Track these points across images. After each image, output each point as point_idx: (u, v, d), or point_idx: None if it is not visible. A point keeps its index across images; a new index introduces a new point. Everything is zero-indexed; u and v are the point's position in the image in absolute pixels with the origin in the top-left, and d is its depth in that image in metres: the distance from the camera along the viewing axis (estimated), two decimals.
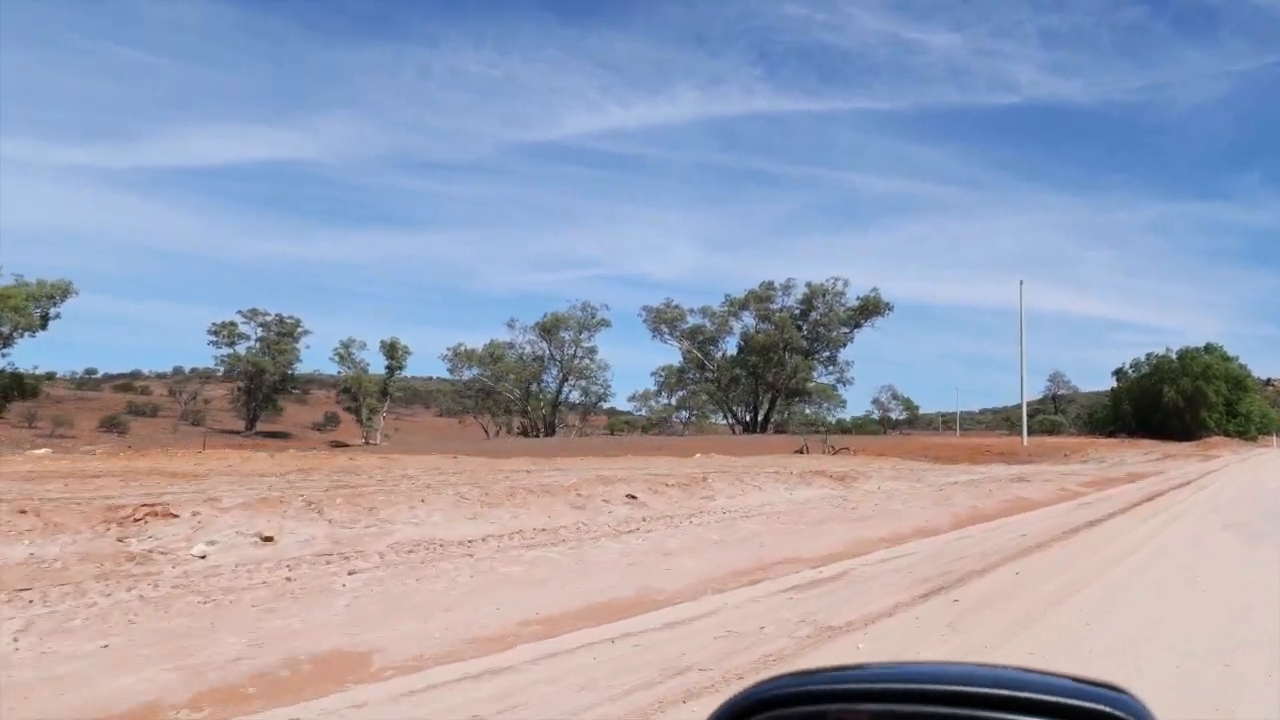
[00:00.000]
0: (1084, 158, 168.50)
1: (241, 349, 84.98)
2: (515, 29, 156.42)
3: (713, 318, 68.79)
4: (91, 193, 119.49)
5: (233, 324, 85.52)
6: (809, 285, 65.22)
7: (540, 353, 72.80)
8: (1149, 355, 65.92)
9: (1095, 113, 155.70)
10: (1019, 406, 52.48)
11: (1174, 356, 63.85)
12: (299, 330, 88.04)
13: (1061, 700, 0.78)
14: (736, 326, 67.72)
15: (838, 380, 69.06)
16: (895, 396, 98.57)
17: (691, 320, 68.70)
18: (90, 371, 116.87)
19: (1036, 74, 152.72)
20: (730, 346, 68.88)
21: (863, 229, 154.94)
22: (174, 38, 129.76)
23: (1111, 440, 55.39)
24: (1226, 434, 61.59)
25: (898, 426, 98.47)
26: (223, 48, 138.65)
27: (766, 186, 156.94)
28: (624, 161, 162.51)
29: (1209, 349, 64.28)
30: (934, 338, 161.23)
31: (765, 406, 69.14)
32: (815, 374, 69.40)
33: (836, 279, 65.10)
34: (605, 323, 71.18)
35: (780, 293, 66.14)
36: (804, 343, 65.50)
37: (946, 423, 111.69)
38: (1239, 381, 63.47)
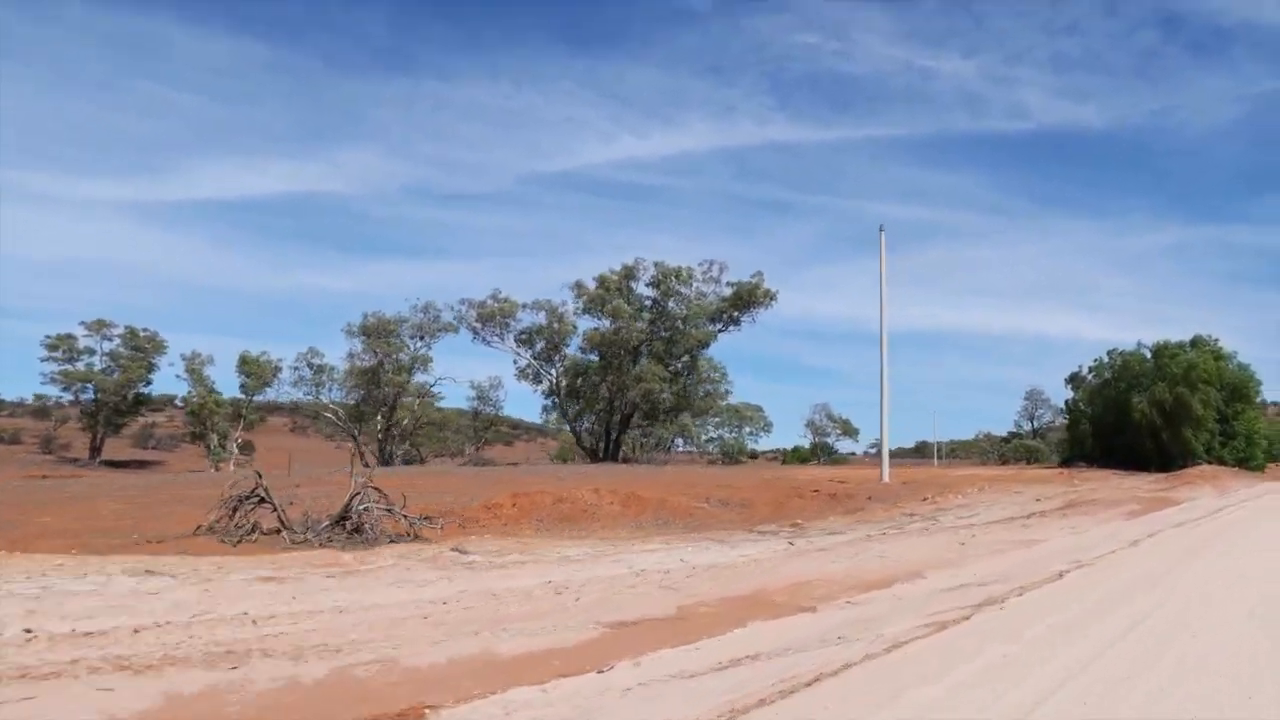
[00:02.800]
0: (1100, 182, 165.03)
1: (82, 365, 72.47)
2: (530, 62, 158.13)
3: (552, 314, 53.62)
4: (118, 226, 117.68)
5: (71, 337, 72.96)
6: (657, 267, 49.79)
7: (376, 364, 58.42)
8: (1113, 353, 49.14)
9: (1110, 137, 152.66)
10: (1008, 432, 37.05)
11: (1147, 353, 47.76)
12: (155, 345, 75.34)
13: None
14: (584, 326, 52.59)
15: (700, 391, 53.77)
16: (830, 417, 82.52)
17: (525, 318, 53.62)
18: None
19: (1050, 99, 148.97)
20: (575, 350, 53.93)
21: (877, 256, 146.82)
22: (199, 75, 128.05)
23: (1046, 473, 39.07)
24: (1221, 461, 45.05)
25: (827, 455, 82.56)
26: (247, 83, 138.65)
27: (781, 215, 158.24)
28: (639, 191, 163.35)
29: (1197, 343, 47.33)
30: (953, 364, 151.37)
31: (617, 429, 53.81)
32: (697, 383, 54.31)
33: (709, 263, 50.03)
34: (452, 328, 56.66)
35: (620, 279, 50.80)
36: (657, 343, 50.35)
37: (918, 450, 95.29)
38: (1238, 389, 46.34)
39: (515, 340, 52.90)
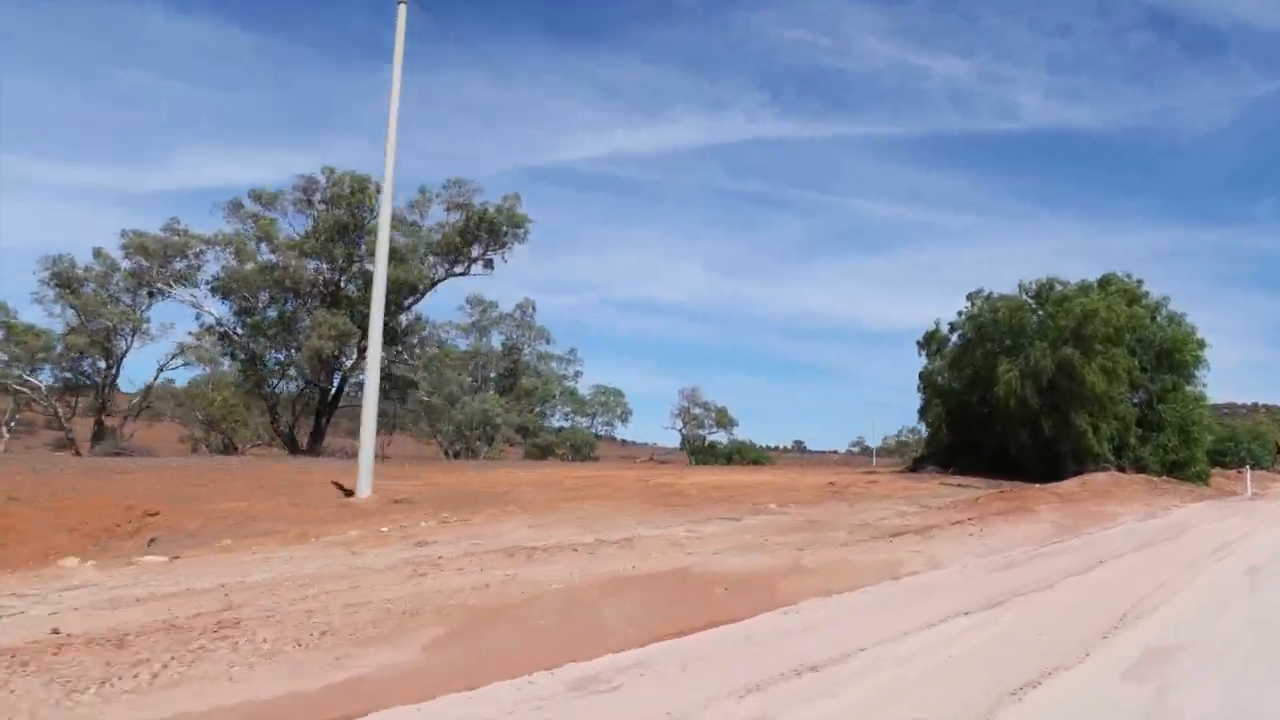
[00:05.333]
0: (1094, 183, 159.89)
1: None
2: (519, 55, 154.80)
3: (236, 250, 36.77)
4: (99, 212, 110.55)
5: None
6: (347, 179, 33.18)
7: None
8: (976, 296, 31.27)
9: (1104, 138, 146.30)
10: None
11: (1028, 299, 30.37)
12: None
13: None
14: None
15: (415, 348, 37.39)
16: (704, 406, 65.94)
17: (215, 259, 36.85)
18: None
19: (1043, 100, 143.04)
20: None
21: (870, 254, 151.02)
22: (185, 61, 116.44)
23: (823, 482, 22.53)
24: (1140, 466, 28.33)
25: (708, 451, 66.25)
26: (233, 71, 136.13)
27: (773, 211, 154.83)
28: (628, 186, 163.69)
29: (1107, 284, 30.18)
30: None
31: (317, 410, 37.30)
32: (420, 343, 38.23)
33: (425, 192, 33.78)
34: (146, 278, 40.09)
35: (297, 193, 34.06)
36: (352, 286, 34.05)
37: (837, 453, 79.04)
38: (1169, 356, 29.94)
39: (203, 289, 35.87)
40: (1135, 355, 28.95)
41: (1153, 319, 30.02)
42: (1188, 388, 30.21)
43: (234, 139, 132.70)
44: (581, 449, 65.31)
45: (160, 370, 38.84)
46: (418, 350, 39.46)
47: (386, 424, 49.60)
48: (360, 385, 41.53)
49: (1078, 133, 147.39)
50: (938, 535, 11.95)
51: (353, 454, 39.11)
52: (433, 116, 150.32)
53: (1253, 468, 47.80)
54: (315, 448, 34.48)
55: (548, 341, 58.91)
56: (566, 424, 63.94)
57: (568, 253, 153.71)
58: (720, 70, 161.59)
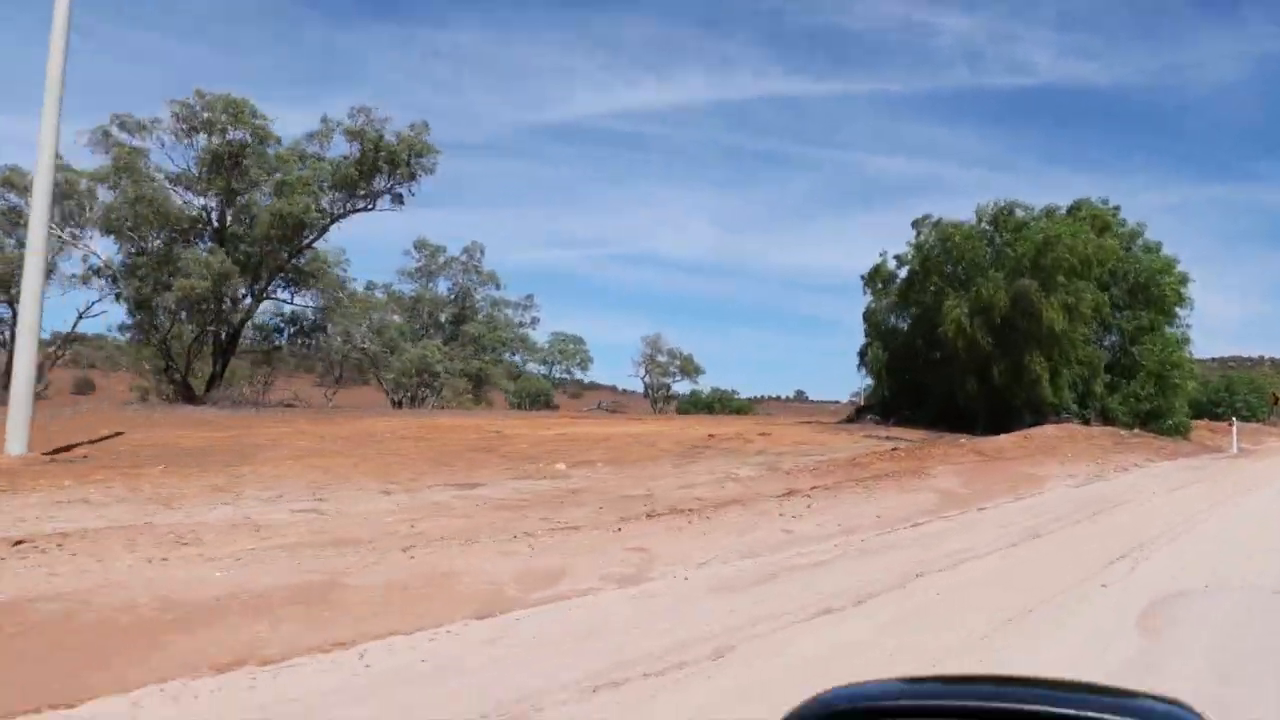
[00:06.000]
0: (1104, 139, 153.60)
1: None
2: (522, 9, 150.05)
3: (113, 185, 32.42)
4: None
5: None
6: (220, 103, 28.65)
7: None
8: (923, 222, 26.09)
9: (1114, 95, 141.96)
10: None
11: (985, 225, 25.22)
12: None
13: None
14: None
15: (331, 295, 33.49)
16: (668, 353, 62.08)
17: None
18: None
19: (1054, 57, 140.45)
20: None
21: (879, 210, 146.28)
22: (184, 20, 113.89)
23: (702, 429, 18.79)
24: (1107, 417, 24.32)
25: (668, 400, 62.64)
26: (233, 29, 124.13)
27: (780, 168, 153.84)
28: (634, 141, 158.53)
29: (1076, 210, 25.49)
30: None
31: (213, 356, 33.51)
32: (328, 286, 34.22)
33: (328, 122, 29.33)
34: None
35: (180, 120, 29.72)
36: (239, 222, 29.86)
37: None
38: (1145, 290, 25.54)
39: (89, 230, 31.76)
40: (1107, 291, 24.72)
41: (1127, 250, 25.67)
42: (1168, 329, 25.97)
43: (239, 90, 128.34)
44: (538, 398, 61.80)
45: (80, 317, 34.90)
46: (322, 292, 35.35)
47: (293, 367, 46.05)
48: (261, 329, 37.75)
49: (1089, 89, 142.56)
50: (724, 516, 8.12)
51: (273, 404, 35.01)
52: (437, 72, 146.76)
53: (1247, 420, 43.82)
54: (211, 395, 30.63)
55: (498, 287, 54.94)
56: (532, 372, 60.29)
57: (572, 208, 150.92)
58: (728, 27, 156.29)
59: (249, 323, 33.77)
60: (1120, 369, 25.40)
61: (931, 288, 25.53)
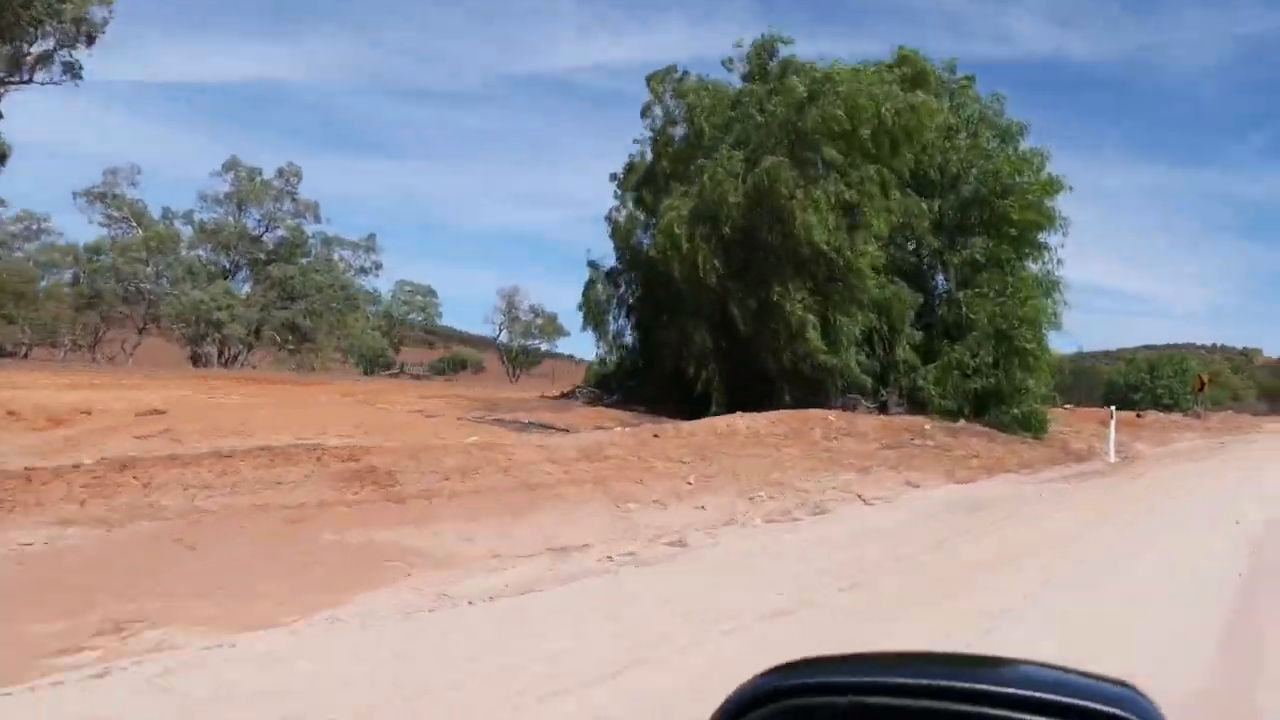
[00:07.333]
0: (1082, 116, 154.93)
1: None
2: None
3: None
4: (57, 104, 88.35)
5: None
6: None
7: None
8: (670, 80, 15.42)
9: (1095, 71, 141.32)
10: None
11: (742, 79, 14.63)
12: None
13: (1073, 701, 0.76)
14: None
15: None
16: (531, 310, 53.04)
17: None
18: None
19: (1038, 26, 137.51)
20: None
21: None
22: None
23: None
24: (918, 402, 15.05)
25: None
26: None
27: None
28: (616, 97, 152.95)
29: (903, 65, 14.88)
30: None
31: None
32: None
33: None
34: None
35: None
36: None
37: None
38: (991, 201, 15.35)
39: None
40: (931, 200, 15.30)
41: (973, 138, 16.06)
42: (1029, 265, 16.61)
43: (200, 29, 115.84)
44: (377, 359, 51.44)
45: None
46: None
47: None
48: None
49: (1072, 63, 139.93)
50: None
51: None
52: (416, 13, 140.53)
53: (1169, 409, 35.34)
54: None
55: (318, 220, 44.51)
56: (373, 324, 50.00)
57: (554, 163, 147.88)
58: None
59: None
60: (944, 326, 15.96)
61: (660, 183, 15.79)
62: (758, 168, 13.26)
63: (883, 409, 15.12)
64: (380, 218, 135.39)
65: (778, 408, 14.00)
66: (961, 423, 15.27)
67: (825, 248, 13.25)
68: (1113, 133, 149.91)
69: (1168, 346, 75.36)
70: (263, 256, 42.68)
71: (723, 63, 15.63)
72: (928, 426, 14.07)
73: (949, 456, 12.57)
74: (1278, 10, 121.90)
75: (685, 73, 15.84)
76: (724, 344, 14.56)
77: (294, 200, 42.96)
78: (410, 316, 57.47)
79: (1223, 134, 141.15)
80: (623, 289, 17.29)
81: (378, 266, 45.71)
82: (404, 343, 58.43)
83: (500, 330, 56.64)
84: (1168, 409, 34.73)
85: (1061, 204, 16.46)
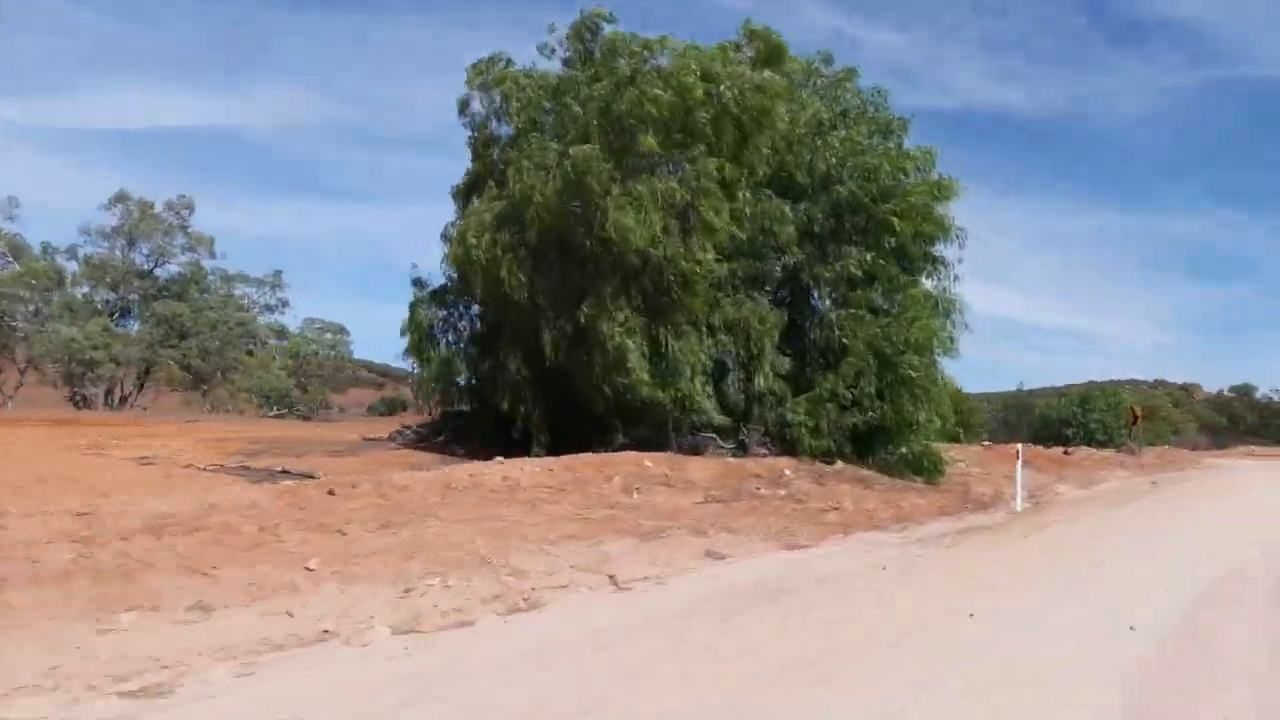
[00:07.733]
0: (1024, 163, 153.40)
1: None
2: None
3: None
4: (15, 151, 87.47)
5: None
6: None
7: None
8: (495, 65, 12.83)
9: (1036, 120, 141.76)
10: None
11: (564, 65, 11.87)
12: None
13: None
14: None
15: None
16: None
17: None
18: None
19: (979, 79, 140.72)
20: None
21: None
22: None
23: None
24: (786, 442, 12.40)
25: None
26: (154, 4, 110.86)
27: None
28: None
29: (755, 42, 12.44)
30: None
31: None
32: None
33: None
34: None
35: None
36: None
37: None
38: (866, 205, 12.87)
39: None
40: (796, 200, 12.99)
41: (848, 132, 13.81)
42: (922, 282, 14.27)
43: (150, 76, 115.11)
44: (279, 400, 47.43)
45: None
46: None
47: None
48: None
49: (1012, 115, 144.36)
50: None
51: None
52: (368, 61, 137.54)
53: (1102, 445, 33.45)
54: None
55: (212, 255, 41.40)
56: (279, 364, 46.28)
57: None
58: (663, 28, 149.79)
59: None
60: (819, 351, 13.48)
61: (481, 188, 13.16)
62: (570, 155, 10.75)
63: (741, 450, 12.49)
64: (330, 258, 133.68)
65: (613, 449, 11.33)
66: (839, 465, 12.69)
67: (654, 255, 10.71)
68: (1062, 182, 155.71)
69: (1110, 382, 74.93)
70: (154, 293, 39.52)
71: (539, 49, 13.25)
72: (788, 472, 11.45)
73: (801, 511, 9.94)
74: (1198, 65, 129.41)
75: (509, 61, 13.39)
76: (540, 375, 11.84)
77: (186, 234, 39.97)
78: (319, 354, 53.96)
79: (1159, 178, 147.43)
80: (449, 311, 14.52)
81: (284, 304, 42.63)
82: (331, 383, 54.85)
83: (415, 367, 53.25)
84: (1101, 444, 32.84)
85: (955, 212, 14.22)
